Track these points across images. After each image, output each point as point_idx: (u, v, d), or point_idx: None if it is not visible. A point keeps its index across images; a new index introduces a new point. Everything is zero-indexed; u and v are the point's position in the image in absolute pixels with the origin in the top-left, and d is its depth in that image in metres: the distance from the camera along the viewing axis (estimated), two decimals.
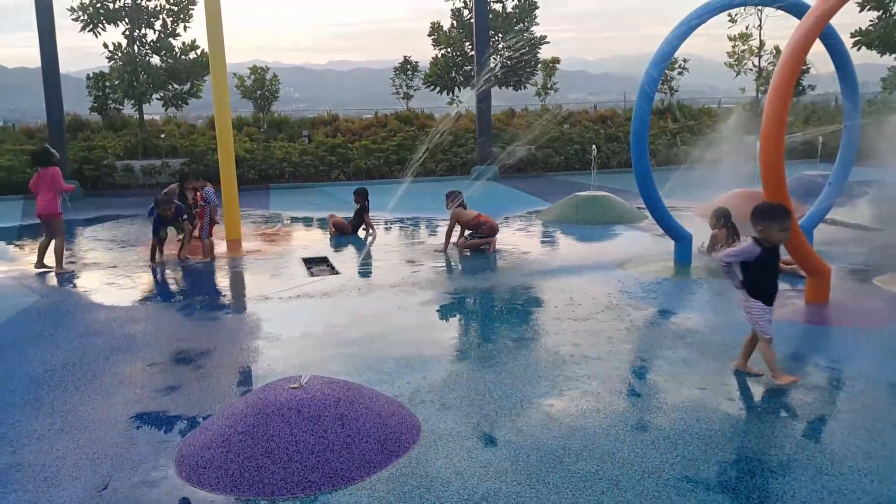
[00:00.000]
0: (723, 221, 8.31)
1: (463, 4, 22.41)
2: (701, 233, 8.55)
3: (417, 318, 6.31)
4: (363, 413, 3.86)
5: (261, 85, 21.76)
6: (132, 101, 19.98)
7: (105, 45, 19.68)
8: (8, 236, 11.55)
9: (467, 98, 21.83)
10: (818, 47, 6.86)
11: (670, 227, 8.08)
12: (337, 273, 8.21)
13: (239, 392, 4.69)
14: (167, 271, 8.61)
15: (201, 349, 5.58)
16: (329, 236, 10.60)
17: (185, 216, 9.15)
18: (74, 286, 7.94)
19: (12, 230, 12.15)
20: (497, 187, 16.40)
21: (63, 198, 8.70)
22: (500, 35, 22.10)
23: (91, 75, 20.32)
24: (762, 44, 23.78)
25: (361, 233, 10.77)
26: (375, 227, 10.97)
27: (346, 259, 9.14)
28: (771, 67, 23.54)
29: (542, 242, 10.15)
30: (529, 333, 5.85)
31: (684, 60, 23.14)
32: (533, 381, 4.70)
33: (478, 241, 9.09)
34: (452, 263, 8.67)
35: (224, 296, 7.64)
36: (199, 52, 20.13)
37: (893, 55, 21.38)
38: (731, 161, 12.62)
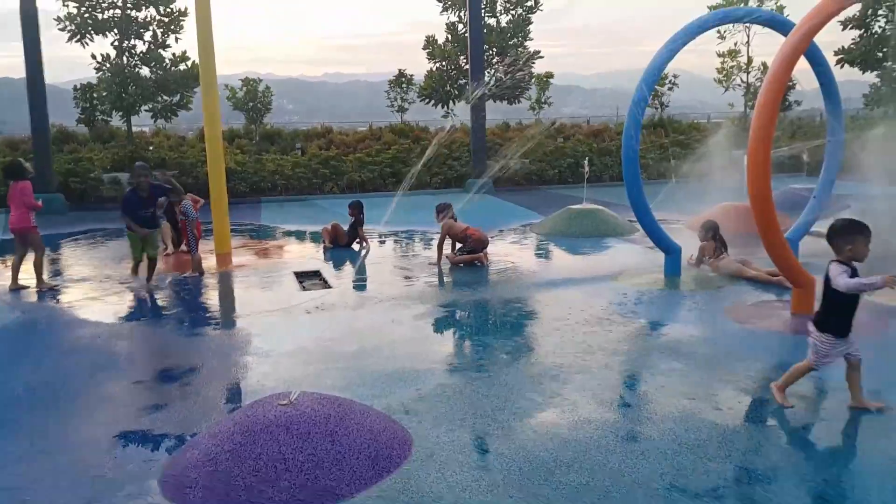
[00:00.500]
0: (711, 234, 8.38)
1: (458, 19, 22.54)
2: (690, 245, 8.60)
3: (411, 332, 6.26)
4: (354, 429, 3.79)
5: (253, 97, 21.74)
6: (120, 113, 19.87)
7: (93, 56, 19.59)
8: None
9: (462, 111, 21.92)
10: (803, 64, 6.95)
11: (660, 240, 8.11)
12: (329, 287, 8.14)
13: (227, 410, 4.60)
14: (153, 287, 8.48)
15: (188, 366, 5.48)
16: (322, 248, 10.53)
17: (162, 211, 9.04)
18: (57, 302, 7.80)
19: None
20: (491, 200, 16.42)
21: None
22: (494, 49, 22.23)
23: (78, 86, 20.21)
24: (750, 60, 24.05)
25: (355, 246, 10.71)
26: (369, 240, 10.92)
27: (339, 273, 9.07)
28: (758, 83, 23.80)
29: (536, 255, 10.14)
30: (522, 346, 5.82)
31: (674, 76, 23.36)
32: (525, 394, 4.67)
33: (468, 256, 9.05)
34: (446, 276, 8.63)
35: (212, 311, 7.55)
36: (189, 63, 20.09)
37: (874, 72, 21.85)
38: (719, 175, 12.72)
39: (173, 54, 20.12)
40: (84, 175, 17.06)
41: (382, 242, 11.29)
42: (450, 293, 7.86)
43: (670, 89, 23.63)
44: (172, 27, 19.96)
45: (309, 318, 6.77)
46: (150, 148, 19.27)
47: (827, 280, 4.20)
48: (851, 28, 21.83)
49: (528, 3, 22.66)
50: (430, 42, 23.04)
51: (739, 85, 24.37)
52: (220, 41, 10.21)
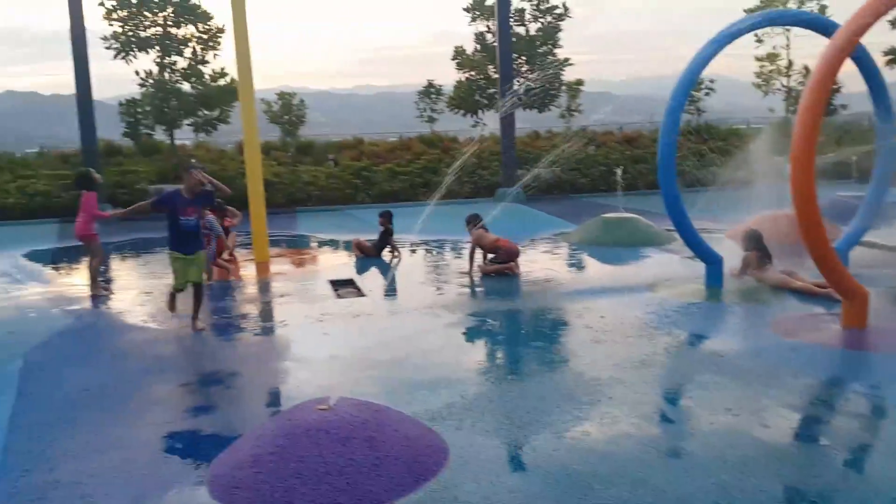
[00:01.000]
0: (754, 244, 8.14)
1: (486, 28, 22.66)
2: (731, 255, 8.39)
3: (444, 341, 6.31)
4: (391, 435, 3.86)
5: (288, 110, 22.17)
6: (163, 127, 20.48)
7: (137, 73, 20.25)
8: (44, 259, 11.81)
9: (491, 120, 21.97)
10: (849, 67, 6.80)
11: (700, 250, 7.96)
12: (363, 295, 8.25)
13: (268, 413, 4.73)
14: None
15: (231, 370, 5.65)
16: (355, 258, 10.67)
17: (208, 229, 9.06)
18: (108, 308, 8.08)
19: (48, 253, 12.43)
20: (522, 210, 16.41)
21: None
22: (523, 58, 22.26)
23: (123, 102, 20.88)
24: (791, 63, 23.58)
25: (386, 255, 10.82)
26: (400, 249, 11.02)
27: (372, 281, 9.18)
28: (800, 87, 23.32)
29: (569, 264, 10.10)
30: (557, 356, 5.81)
31: (711, 81, 23.03)
32: (561, 405, 4.65)
33: (498, 266, 9.06)
34: (477, 286, 8.66)
35: (252, 318, 7.72)
36: (228, 79, 20.60)
37: None
38: (760, 182, 12.46)
39: (212, 70, 20.68)
40: (130, 186, 17.61)
41: (413, 252, 11.37)
42: (481, 302, 7.89)
43: (707, 94, 23.32)
44: (211, 44, 20.52)
45: (344, 326, 6.87)
46: (192, 160, 19.74)
47: None
48: None
49: (558, 11, 22.67)
50: (458, 52, 23.20)
51: (780, 89, 23.90)
52: (255, 56, 10.45)
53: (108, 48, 19.99)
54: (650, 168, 19.09)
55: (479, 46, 22.84)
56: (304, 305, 7.83)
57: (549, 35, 22.61)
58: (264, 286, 9.07)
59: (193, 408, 4.84)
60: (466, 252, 9.49)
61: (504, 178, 18.78)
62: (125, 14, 19.69)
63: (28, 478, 3.85)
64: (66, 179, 17.51)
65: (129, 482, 3.77)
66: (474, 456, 3.93)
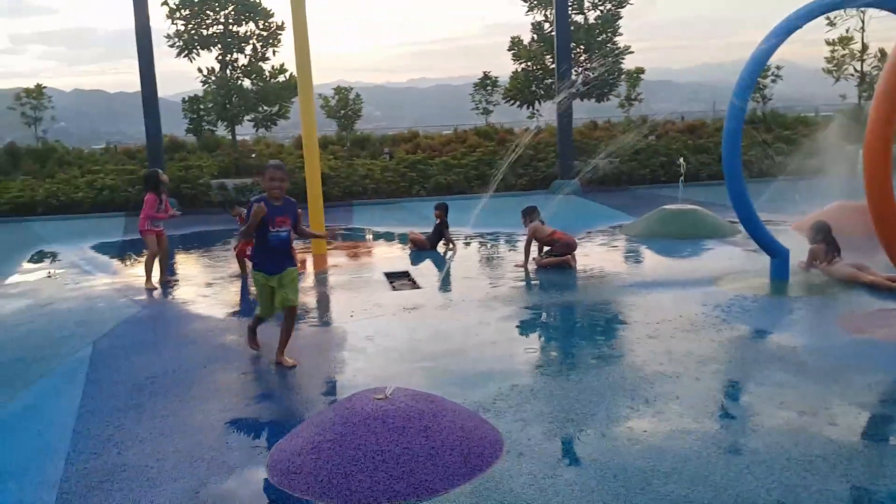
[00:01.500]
0: (821, 236, 7.84)
1: (543, 18, 22.39)
2: (799, 248, 8.09)
3: (499, 333, 6.29)
4: (447, 426, 3.87)
5: (344, 105, 22.49)
6: (225, 123, 21.08)
7: (199, 70, 20.89)
8: (111, 251, 12.35)
9: (548, 111, 21.74)
10: None
11: (766, 242, 7.69)
12: (418, 287, 8.30)
13: (326, 401, 4.82)
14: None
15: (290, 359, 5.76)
16: (409, 251, 10.75)
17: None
18: (172, 298, 8.39)
19: (115, 245, 13.00)
20: (578, 202, 16.19)
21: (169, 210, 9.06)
22: (581, 47, 21.91)
23: (186, 99, 21.58)
24: (865, 47, 22.45)
25: (441, 248, 10.86)
26: (455, 242, 11.03)
27: (427, 274, 9.23)
28: (875, 72, 22.19)
29: (627, 257, 9.91)
30: (614, 350, 5.71)
31: (778, 67, 22.18)
32: (618, 399, 4.58)
33: (554, 259, 8.96)
34: (532, 279, 8.60)
35: (310, 309, 7.87)
36: (287, 75, 21.02)
37: None
38: (831, 172, 11.94)
39: (272, 67, 21.15)
40: (194, 181, 18.19)
41: (468, 244, 11.37)
42: (536, 295, 7.83)
43: (773, 81, 22.47)
44: (271, 41, 20.97)
45: (399, 318, 6.93)
46: (253, 155, 20.30)
47: None
48: None
49: None
50: (515, 43, 23.00)
51: (852, 75, 22.80)
52: (313, 52, 10.61)
53: (171, 46, 20.68)
54: (713, 158, 18.54)
55: (535, 36, 22.60)
56: (359, 297, 7.94)
57: (609, 23, 22.17)
58: (321, 278, 9.23)
59: (254, 395, 4.97)
60: (521, 245, 9.43)
61: (560, 169, 18.56)
62: (188, 13, 20.29)
63: (97, 461, 4.02)
64: (132, 174, 18.27)
65: (192, 466, 3.90)
66: (530, 448, 3.90)
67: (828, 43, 22.87)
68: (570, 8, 20.47)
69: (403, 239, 11.80)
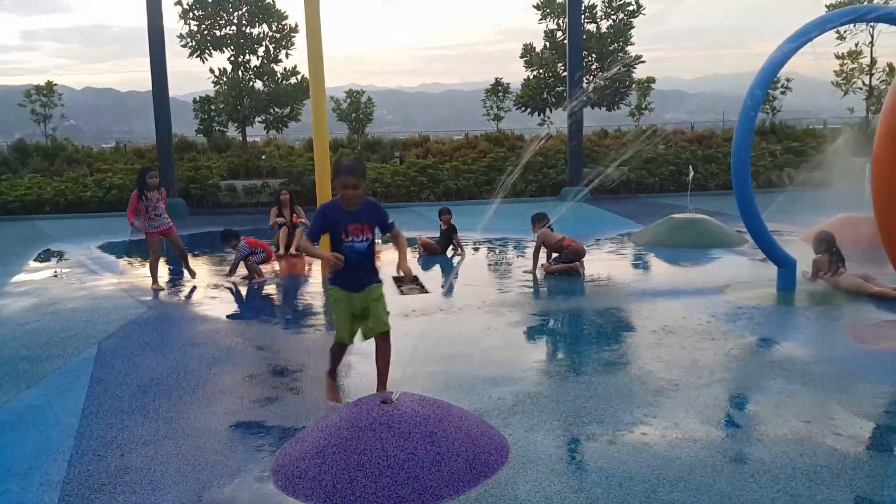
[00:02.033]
0: (824, 247, 7.85)
1: (556, 26, 22.41)
2: (806, 258, 8.09)
3: (506, 339, 6.28)
4: (453, 431, 3.86)
5: (356, 108, 22.54)
6: (236, 124, 21.15)
7: (211, 71, 20.97)
8: (118, 251, 12.39)
9: (559, 119, 21.73)
10: None
11: (773, 252, 7.69)
12: (426, 292, 8.30)
13: (332, 406, 4.79)
14: (264, 287, 8.97)
15: (295, 362, 5.77)
16: (419, 255, 10.75)
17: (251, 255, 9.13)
18: (178, 299, 8.40)
19: (122, 245, 13.03)
20: (588, 209, 16.17)
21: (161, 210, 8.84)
22: (593, 56, 21.91)
23: (197, 99, 21.67)
24: (874, 61, 22.42)
25: (450, 252, 10.85)
26: (464, 247, 11.03)
27: (436, 278, 9.22)
28: (883, 86, 22.14)
29: (635, 265, 9.89)
30: (621, 358, 5.69)
31: (787, 80, 22.17)
32: (624, 407, 4.56)
33: (562, 265, 8.96)
34: (540, 285, 8.58)
35: (317, 312, 7.88)
36: (299, 77, 21.08)
37: None
38: (838, 184, 11.93)
39: (284, 69, 21.20)
40: (203, 181, 18.26)
41: (477, 250, 11.37)
42: (545, 302, 7.81)
43: (783, 93, 22.45)
44: (284, 43, 21.04)
45: (406, 322, 6.92)
46: (263, 157, 20.36)
47: None
48: None
49: (630, 8, 22.21)
50: (527, 50, 23.03)
51: (861, 88, 22.77)
52: (325, 54, 10.61)
53: (183, 46, 20.77)
54: (722, 168, 18.51)
55: (548, 44, 22.62)
56: None
57: (621, 32, 22.18)
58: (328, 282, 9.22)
59: (260, 399, 4.96)
60: (530, 251, 9.42)
61: (570, 176, 18.55)
62: (202, 13, 20.39)
63: (100, 463, 4.01)
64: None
65: (196, 469, 3.89)
66: (536, 455, 3.89)
67: (837, 56, 22.88)
68: (582, 17, 20.49)
69: (413, 243, 11.80)
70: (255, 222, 14.38)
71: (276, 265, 10.32)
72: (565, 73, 20.38)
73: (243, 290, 8.75)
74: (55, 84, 22.78)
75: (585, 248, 9.35)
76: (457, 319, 7.00)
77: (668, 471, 3.68)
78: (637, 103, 23.19)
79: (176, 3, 20.34)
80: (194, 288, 8.90)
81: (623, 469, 3.72)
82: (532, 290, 8.37)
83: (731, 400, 4.76)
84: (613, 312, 7.19)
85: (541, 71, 22.58)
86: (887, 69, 22.19)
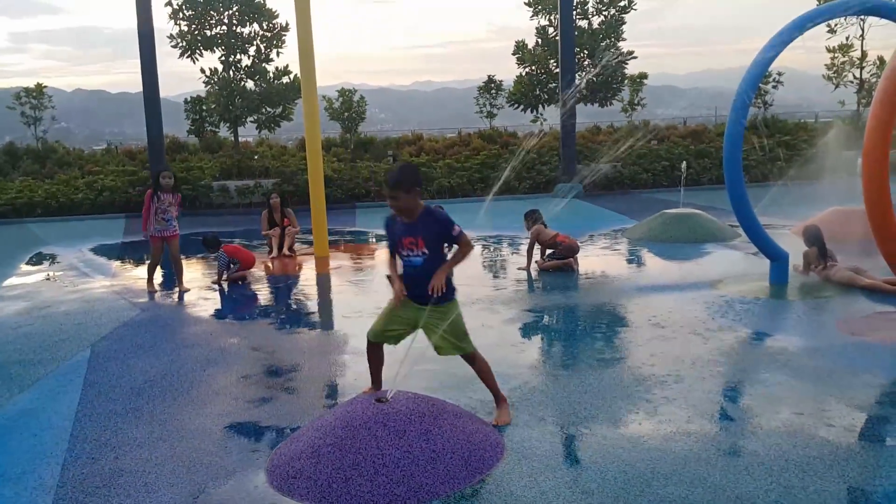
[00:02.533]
0: (812, 240, 7.90)
1: (548, 22, 22.42)
2: (798, 252, 8.13)
3: (501, 336, 6.28)
4: (448, 429, 3.86)
5: (348, 107, 22.48)
6: (228, 124, 21.07)
7: (202, 71, 20.87)
8: (111, 253, 12.32)
9: (552, 115, 21.74)
10: None
11: (765, 246, 7.72)
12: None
13: (327, 405, 4.80)
14: (257, 288, 8.96)
15: (290, 362, 5.76)
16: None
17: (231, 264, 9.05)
18: (172, 300, 8.38)
19: (114, 247, 12.96)
20: (581, 205, 16.19)
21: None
22: (585, 52, 21.94)
23: (189, 99, 21.57)
24: (864, 55, 22.51)
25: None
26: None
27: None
28: (874, 79, 22.25)
29: (629, 260, 9.91)
30: (616, 353, 5.71)
31: (779, 74, 22.24)
32: (619, 402, 4.58)
33: (556, 262, 8.97)
34: (535, 282, 8.60)
35: (312, 312, 7.87)
36: (291, 76, 21.02)
37: None
38: (829, 178, 11.99)
39: (276, 68, 21.13)
40: (195, 182, 18.16)
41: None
42: (539, 298, 7.82)
43: (774, 87, 22.52)
44: (275, 42, 20.97)
45: None
46: (255, 157, 20.29)
47: None
48: None
49: (622, 4, 22.24)
50: (519, 47, 23.03)
51: (852, 81, 22.88)
52: (317, 54, 10.60)
53: (174, 47, 20.67)
54: (714, 163, 18.56)
55: (540, 41, 22.62)
56: (361, 299, 7.93)
57: (613, 28, 22.20)
58: (323, 280, 9.23)
59: (254, 399, 4.95)
60: (524, 248, 9.43)
61: (563, 173, 18.56)
62: (191, 13, 20.31)
63: (94, 465, 4.00)
64: (132, 176, 18.26)
65: (190, 471, 3.88)
66: (531, 451, 3.90)
67: (828, 50, 22.95)
68: (574, 13, 20.50)
69: None
70: (247, 223, 14.35)
71: (270, 264, 10.32)
72: (557, 70, 20.40)
73: (236, 292, 8.73)
74: (45, 86, 22.64)
75: (579, 244, 9.36)
76: None
77: (662, 464, 3.70)
78: (630, 99, 23.23)
79: (166, 4, 20.25)
80: (188, 290, 8.87)
81: (617, 463, 3.73)
82: (526, 286, 8.38)
83: (725, 393, 4.78)
84: (607, 308, 7.21)
85: (533, 68, 22.59)
86: (878, 62, 22.29)
